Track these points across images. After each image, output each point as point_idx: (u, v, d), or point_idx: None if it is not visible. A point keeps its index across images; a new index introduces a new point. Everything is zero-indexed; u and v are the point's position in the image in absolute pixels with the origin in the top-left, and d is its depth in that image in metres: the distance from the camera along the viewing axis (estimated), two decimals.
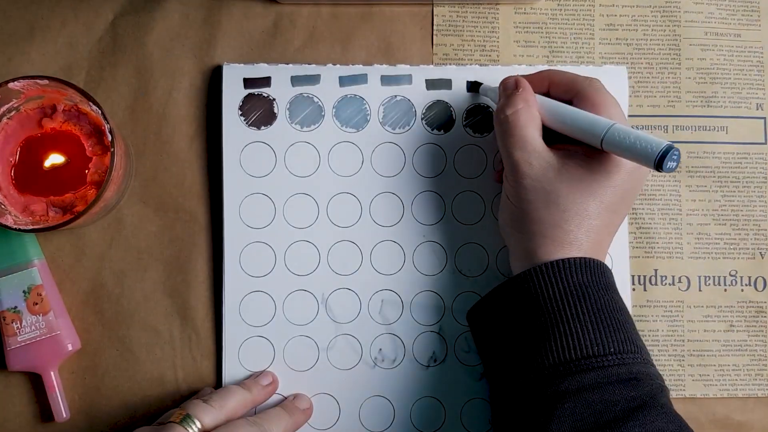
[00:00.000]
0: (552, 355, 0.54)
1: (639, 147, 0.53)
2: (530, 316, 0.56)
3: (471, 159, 0.68)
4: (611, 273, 0.59)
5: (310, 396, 0.66)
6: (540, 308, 0.56)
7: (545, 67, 0.68)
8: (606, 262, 0.59)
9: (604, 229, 0.59)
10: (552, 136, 0.60)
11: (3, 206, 0.61)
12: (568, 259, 0.57)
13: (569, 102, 0.61)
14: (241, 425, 0.57)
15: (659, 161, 0.52)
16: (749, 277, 0.70)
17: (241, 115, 0.67)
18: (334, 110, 0.67)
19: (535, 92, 0.62)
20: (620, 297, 0.59)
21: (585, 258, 0.57)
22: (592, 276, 0.57)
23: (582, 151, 0.59)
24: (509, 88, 0.61)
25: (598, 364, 0.53)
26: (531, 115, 0.60)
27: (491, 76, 0.69)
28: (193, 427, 0.56)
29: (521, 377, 0.56)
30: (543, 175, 0.58)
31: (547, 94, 0.62)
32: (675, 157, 0.53)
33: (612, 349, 0.54)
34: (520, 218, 0.59)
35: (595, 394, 0.52)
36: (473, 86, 0.68)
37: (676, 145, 0.54)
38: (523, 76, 0.63)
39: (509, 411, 0.57)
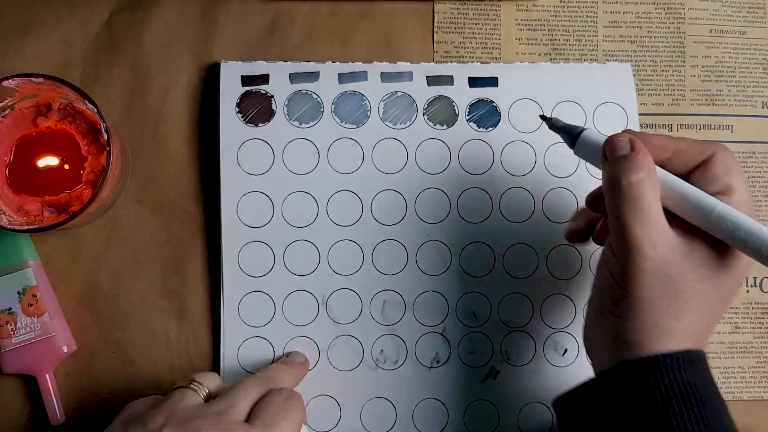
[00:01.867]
0: None
1: (750, 244, 0.49)
2: (635, 415, 0.49)
3: (476, 155, 0.67)
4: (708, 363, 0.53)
5: (310, 398, 0.65)
6: (646, 407, 0.49)
7: (548, 65, 0.68)
8: None
9: (716, 319, 0.54)
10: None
11: None
12: (681, 352, 0.50)
13: (686, 174, 0.54)
14: (249, 383, 0.56)
15: None
16: (755, 278, 0.70)
17: (238, 112, 0.66)
18: (333, 106, 0.67)
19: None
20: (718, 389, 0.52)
21: (692, 352, 0.50)
22: (700, 372, 0.50)
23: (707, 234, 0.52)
24: (623, 149, 0.52)
25: None
26: (655, 184, 0.51)
27: (493, 74, 0.68)
28: (199, 387, 0.55)
29: None
30: (668, 258, 0.50)
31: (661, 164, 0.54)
32: None
33: None
34: (627, 304, 0.51)
35: None
36: (545, 120, 0.60)
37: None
38: (638, 134, 0.54)
39: None
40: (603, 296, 0.53)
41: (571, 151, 0.57)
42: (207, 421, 0.51)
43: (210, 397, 0.55)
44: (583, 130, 0.56)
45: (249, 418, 0.53)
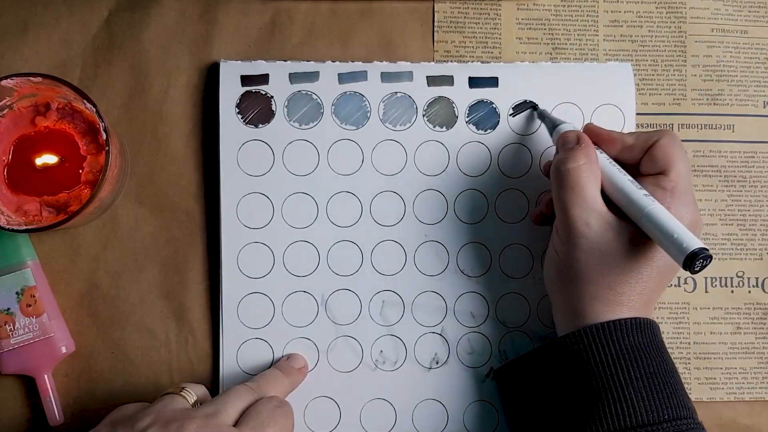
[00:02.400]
0: (604, 423, 0.53)
1: (671, 242, 0.52)
2: (578, 379, 0.55)
3: (474, 157, 0.67)
4: (659, 330, 0.58)
5: (309, 399, 0.65)
6: (590, 372, 0.55)
7: (548, 65, 0.68)
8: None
9: (657, 289, 0.58)
10: None
11: None
12: (620, 320, 0.55)
13: (638, 162, 0.60)
14: (239, 391, 0.56)
15: (688, 261, 0.50)
16: (756, 278, 0.69)
17: (238, 112, 0.66)
18: (333, 107, 0.67)
19: (605, 151, 0.60)
20: (669, 355, 0.57)
21: (637, 318, 0.56)
22: (643, 337, 0.56)
23: None
24: (570, 142, 0.59)
25: None
26: (592, 172, 0.57)
27: (494, 74, 0.68)
28: (188, 395, 0.55)
29: None
30: (601, 236, 0.55)
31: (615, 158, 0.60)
32: (701, 263, 0.51)
33: (666, 416, 0.52)
34: (568, 276, 0.57)
35: None
36: (524, 106, 0.67)
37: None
38: (593, 129, 0.62)
39: None
40: (550, 271, 0.60)
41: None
42: (195, 422, 0.51)
43: (198, 404, 0.56)
44: (561, 123, 0.63)
45: (237, 424, 0.53)
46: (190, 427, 0.50)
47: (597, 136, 0.61)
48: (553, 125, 0.64)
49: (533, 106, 0.67)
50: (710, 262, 0.51)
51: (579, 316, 0.57)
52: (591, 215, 0.56)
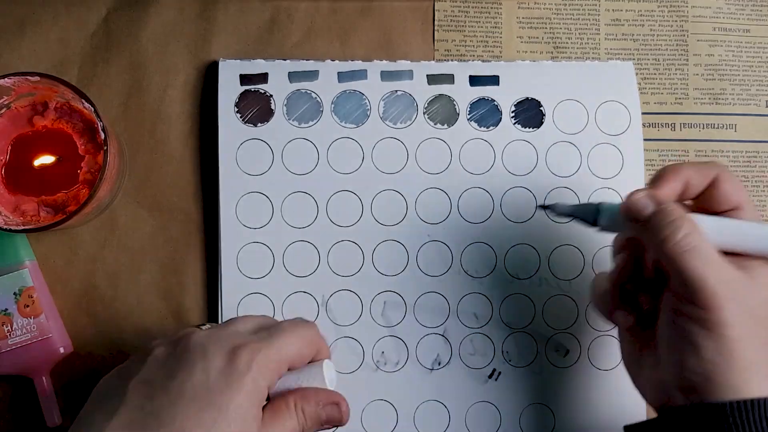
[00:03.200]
0: None
1: None
2: None
3: (477, 154, 0.67)
4: None
5: None
6: None
7: (549, 63, 0.68)
8: None
9: None
10: None
11: None
12: None
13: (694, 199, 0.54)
14: (250, 316, 0.55)
15: None
16: None
17: (237, 111, 0.66)
18: (332, 106, 0.66)
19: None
20: None
21: None
22: None
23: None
24: (642, 207, 0.51)
25: None
26: (701, 232, 0.49)
27: (495, 72, 0.68)
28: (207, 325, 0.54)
29: None
30: (748, 296, 0.48)
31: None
32: None
33: None
34: (717, 348, 0.48)
35: None
36: (545, 208, 0.58)
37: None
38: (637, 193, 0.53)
39: None
40: (671, 348, 0.51)
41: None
42: (202, 331, 0.51)
43: None
44: (598, 205, 0.54)
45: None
46: (196, 335, 0.50)
47: (655, 188, 0.53)
48: (588, 209, 0.55)
49: (544, 207, 0.58)
50: None
51: (718, 389, 0.48)
52: (721, 273, 0.48)
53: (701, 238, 0.49)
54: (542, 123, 0.67)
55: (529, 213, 0.67)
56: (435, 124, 0.67)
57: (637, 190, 0.52)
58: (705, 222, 0.51)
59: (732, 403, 0.46)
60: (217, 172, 0.65)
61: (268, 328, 0.52)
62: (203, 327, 0.54)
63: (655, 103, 0.69)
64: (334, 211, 0.66)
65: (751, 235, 0.51)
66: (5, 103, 0.61)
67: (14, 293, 0.63)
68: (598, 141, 0.66)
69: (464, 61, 0.68)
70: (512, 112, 0.67)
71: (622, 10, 0.70)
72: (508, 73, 0.68)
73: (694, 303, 0.48)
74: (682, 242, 0.48)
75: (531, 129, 0.67)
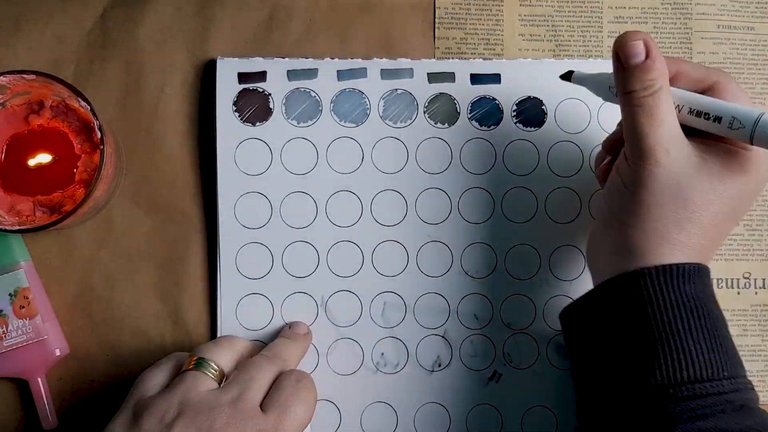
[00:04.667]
0: (661, 373, 0.50)
1: None
2: (637, 323, 0.51)
3: (478, 154, 0.67)
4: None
5: None
6: (649, 317, 0.51)
7: (552, 61, 0.67)
8: None
9: (723, 235, 0.55)
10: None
11: None
12: (683, 264, 0.51)
13: None
14: (259, 363, 0.56)
15: None
16: (763, 280, 0.69)
17: (235, 110, 0.65)
18: (332, 105, 0.66)
19: None
20: (722, 311, 0.54)
21: (699, 265, 0.52)
22: (704, 286, 0.52)
23: (718, 146, 0.53)
24: (638, 56, 0.52)
25: (713, 390, 0.49)
26: (670, 93, 0.52)
27: (496, 70, 0.67)
28: (211, 370, 0.55)
29: (624, 391, 0.52)
30: (680, 167, 0.51)
31: None
32: None
33: (725, 373, 0.50)
34: (633, 211, 0.52)
35: (709, 421, 0.48)
36: (566, 76, 0.61)
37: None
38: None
39: (603, 421, 0.54)
40: (612, 204, 0.55)
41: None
42: (223, 411, 0.51)
43: (223, 376, 0.55)
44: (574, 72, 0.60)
45: (262, 404, 0.53)
46: (219, 419, 0.51)
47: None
48: (603, 79, 0.58)
49: (568, 75, 0.61)
50: None
51: (636, 257, 0.52)
52: (671, 142, 0.51)
53: (665, 95, 0.51)
54: (544, 122, 0.67)
55: (530, 213, 0.66)
56: (435, 123, 0.66)
57: (635, 32, 0.53)
58: (678, 91, 0.53)
59: (642, 269, 0.51)
60: (215, 172, 0.65)
61: (277, 400, 0.54)
62: (208, 372, 0.54)
63: None
64: (333, 211, 0.65)
65: (710, 107, 0.52)
66: (0, 101, 0.60)
67: (9, 294, 0.62)
68: (600, 140, 0.66)
69: (465, 59, 0.68)
70: (514, 111, 0.67)
71: (625, 8, 0.70)
72: (509, 72, 0.67)
73: (626, 158, 0.53)
74: (643, 98, 0.51)
75: (532, 128, 0.67)
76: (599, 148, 0.62)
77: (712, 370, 0.49)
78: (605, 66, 0.66)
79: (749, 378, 0.52)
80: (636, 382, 0.51)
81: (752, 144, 0.50)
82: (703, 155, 0.52)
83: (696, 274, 0.51)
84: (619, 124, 0.59)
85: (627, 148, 0.54)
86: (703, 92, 0.54)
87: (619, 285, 0.53)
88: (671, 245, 0.51)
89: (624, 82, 0.53)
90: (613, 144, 0.60)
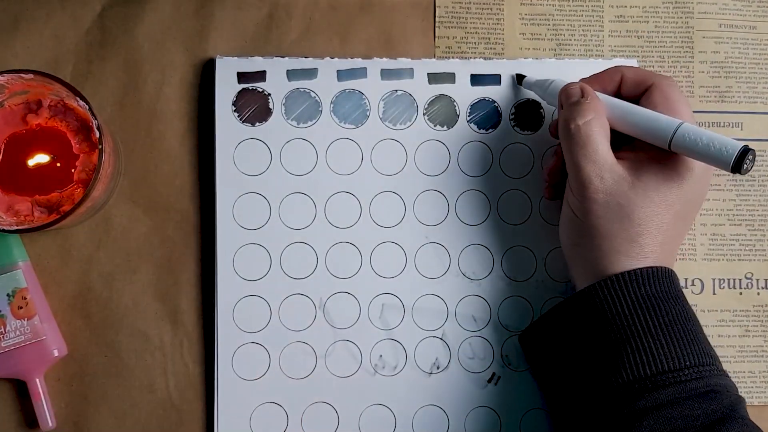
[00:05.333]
0: (626, 373, 0.53)
1: (713, 149, 0.53)
2: (599, 332, 0.56)
3: (476, 157, 0.66)
4: (678, 280, 0.59)
5: (307, 405, 0.64)
6: (608, 323, 0.55)
7: (552, 60, 0.67)
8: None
9: (677, 237, 0.59)
10: (618, 139, 0.59)
11: None
12: (635, 270, 0.56)
13: (637, 100, 0.60)
14: None
15: (736, 164, 0.52)
16: (765, 280, 0.69)
17: (234, 110, 0.65)
18: (332, 105, 0.66)
19: (604, 90, 0.61)
20: (689, 305, 0.58)
21: (653, 267, 0.56)
22: (661, 286, 0.56)
23: (651, 158, 0.58)
24: (574, 95, 0.59)
25: (675, 380, 0.52)
26: (602, 126, 0.58)
27: (497, 71, 0.67)
28: None
29: (592, 397, 0.55)
30: (616, 188, 0.56)
31: (617, 94, 0.61)
32: (751, 159, 0.52)
33: (688, 363, 0.53)
34: (588, 234, 0.58)
35: (674, 410, 0.52)
36: (518, 79, 0.67)
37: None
38: (592, 76, 0.62)
39: (576, 428, 0.57)
40: (570, 232, 0.60)
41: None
42: None
43: None
44: (553, 80, 0.63)
45: None
46: None
47: (595, 80, 0.61)
48: (546, 85, 0.64)
49: (519, 78, 0.67)
50: (755, 158, 0.53)
51: (600, 272, 0.57)
52: (604, 169, 0.56)
53: (596, 129, 0.57)
54: (542, 125, 0.67)
55: (526, 215, 0.67)
56: (435, 125, 0.66)
57: (576, 82, 0.61)
58: (607, 102, 0.59)
59: (597, 283, 0.56)
60: (214, 172, 0.65)
61: None
62: None
63: None
64: (332, 213, 0.65)
65: (636, 116, 0.57)
66: None
67: (7, 294, 0.62)
68: None
69: (465, 58, 0.68)
70: (512, 114, 0.67)
71: (626, 7, 0.69)
72: (509, 72, 0.67)
73: (571, 189, 0.59)
74: (579, 126, 0.57)
75: (530, 132, 0.67)
76: None
77: (673, 361, 0.53)
78: (607, 65, 0.66)
79: (751, 377, 0.54)
80: (603, 386, 0.54)
81: (671, 150, 0.56)
82: (637, 172, 0.57)
83: (652, 277, 0.56)
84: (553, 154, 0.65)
85: (570, 181, 0.59)
86: (643, 93, 0.59)
87: (578, 301, 0.57)
88: (627, 257, 0.56)
89: (562, 119, 0.59)
90: (551, 172, 0.65)
